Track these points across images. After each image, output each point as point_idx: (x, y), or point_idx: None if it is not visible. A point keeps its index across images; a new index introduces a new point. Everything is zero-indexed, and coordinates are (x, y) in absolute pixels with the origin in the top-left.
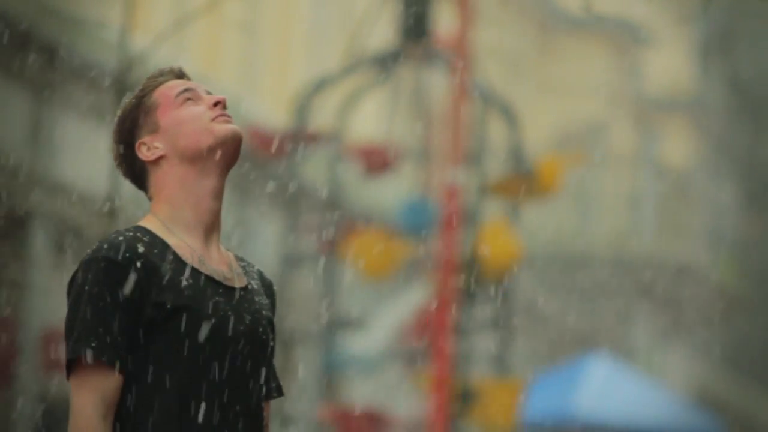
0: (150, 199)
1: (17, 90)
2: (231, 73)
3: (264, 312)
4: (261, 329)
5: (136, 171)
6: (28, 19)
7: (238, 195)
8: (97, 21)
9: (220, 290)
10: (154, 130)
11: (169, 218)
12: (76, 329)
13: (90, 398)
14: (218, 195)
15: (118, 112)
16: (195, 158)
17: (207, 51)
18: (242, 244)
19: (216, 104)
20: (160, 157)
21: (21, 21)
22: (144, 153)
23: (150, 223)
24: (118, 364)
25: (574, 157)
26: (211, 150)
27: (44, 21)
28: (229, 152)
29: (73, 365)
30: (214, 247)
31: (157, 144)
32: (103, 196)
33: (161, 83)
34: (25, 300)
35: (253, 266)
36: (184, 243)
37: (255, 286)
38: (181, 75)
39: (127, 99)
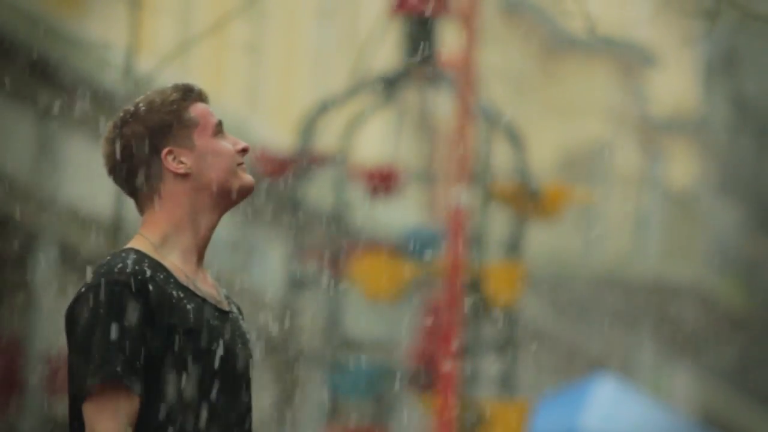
0: (143, 208)
1: (23, 112)
2: (236, 94)
3: (247, 336)
4: (249, 352)
5: (144, 170)
6: (34, 40)
7: (243, 217)
8: (102, 42)
9: (216, 314)
10: (188, 146)
11: (162, 239)
12: (95, 354)
13: (114, 424)
14: (214, 229)
15: (144, 104)
16: (215, 192)
17: (212, 72)
18: (247, 267)
19: (242, 151)
20: (184, 174)
21: (26, 43)
22: (169, 161)
23: (141, 245)
24: (138, 388)
25: (582, 193)
26: (235, 193)
27: (50, 43)
28: (242, 200)
29: (93, 390)
30: (201, 271)
31: (185, 160)
32: (108, 218)
33: (194, 100)
34: (31, 323)
35: (223, 289)
36: (177, 267)
37: (235, 310)
38: (206, 98)
39: (154, 98)
